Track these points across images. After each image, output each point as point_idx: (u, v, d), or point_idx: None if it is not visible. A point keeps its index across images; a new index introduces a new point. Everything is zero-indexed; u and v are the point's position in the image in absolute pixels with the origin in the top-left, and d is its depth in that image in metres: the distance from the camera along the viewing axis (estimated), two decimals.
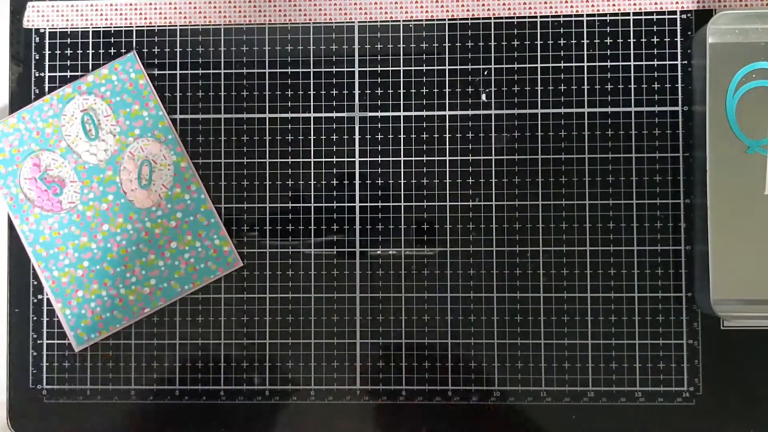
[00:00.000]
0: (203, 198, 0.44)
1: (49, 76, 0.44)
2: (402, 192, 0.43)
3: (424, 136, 0.43)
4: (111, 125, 0.44)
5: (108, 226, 0.44)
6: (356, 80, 0.44)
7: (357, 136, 0.44)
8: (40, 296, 0.44)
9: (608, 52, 0.43)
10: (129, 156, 0.44)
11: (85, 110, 0.44)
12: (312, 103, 0.44)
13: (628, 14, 0.43)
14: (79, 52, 0.44)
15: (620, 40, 0.43)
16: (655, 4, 0.43)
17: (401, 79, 0.44)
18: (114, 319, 0.43)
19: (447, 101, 0.43)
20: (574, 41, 0.43)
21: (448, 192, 0.43)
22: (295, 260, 0.43)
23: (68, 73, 0.44)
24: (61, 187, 0.44)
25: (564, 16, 0.43)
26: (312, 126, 0.44)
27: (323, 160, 0.44)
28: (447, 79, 0.43)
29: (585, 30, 0.43)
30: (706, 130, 0.40)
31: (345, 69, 0.44)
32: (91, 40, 0.44)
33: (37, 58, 0.44)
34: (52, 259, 0.43)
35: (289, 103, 0.44)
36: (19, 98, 0.44)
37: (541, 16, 0.43)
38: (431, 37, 0.44)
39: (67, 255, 0.43)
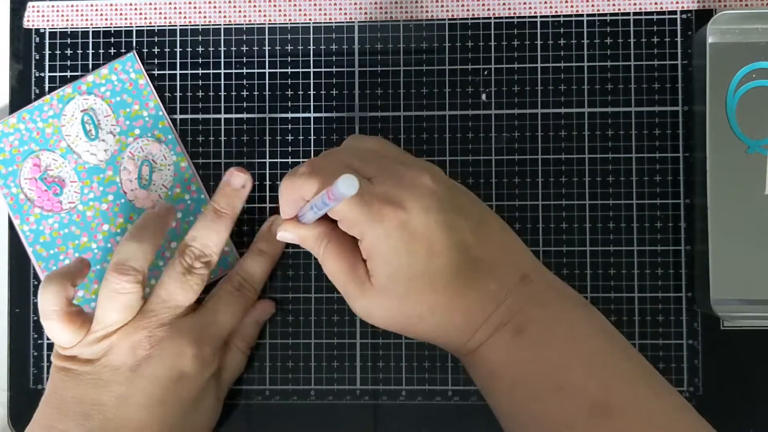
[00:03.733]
0: (203, 198, 0.44)
1: (49, 76, 0.44)
2: None
3: (424, 136, 0.43)
4: (111, 125, 0.44)
5: (108, 226, 0.44)
6: (356, 80, 0.44)
7: None
8: None
9: (608, 52, 0.43)
10: (129, 156, 0.44)
11: (85, 110, 0.44)
12: (312, 103, 0.44)
13: (628, 14, 0.43)
14: (79, 52, 0.44)
15: (620, 40, 0.43)
16: (655, 4, 0.43)
17: (401, 79, 0.44)
18: None
19: (447, 101, 0.43)
20: (574, 41, 0.43)
21: None
22: (295, 260, 0.43)
23: (68, 73, 0.44)
24: (62, 187, 0.44)
25: (564, 16, 0.43)
26: (312, 126, 0.44)
27: None
28: (447, 79, 0.43)
29: (585, 30, 0.43)
30: (706, 130, 0.40)
31: (345, 69, 0.44)
32: (91, 40, 0.44)
33: (37, 57, 0.44)
34: (52, 259, 0.43)
35: (289, 103, 0.44)
36: (19, 98, 0.44)
37: (541, 16, 0.43)
38: (431, 37, 0.44)
39: (68, 255, 0.43)
